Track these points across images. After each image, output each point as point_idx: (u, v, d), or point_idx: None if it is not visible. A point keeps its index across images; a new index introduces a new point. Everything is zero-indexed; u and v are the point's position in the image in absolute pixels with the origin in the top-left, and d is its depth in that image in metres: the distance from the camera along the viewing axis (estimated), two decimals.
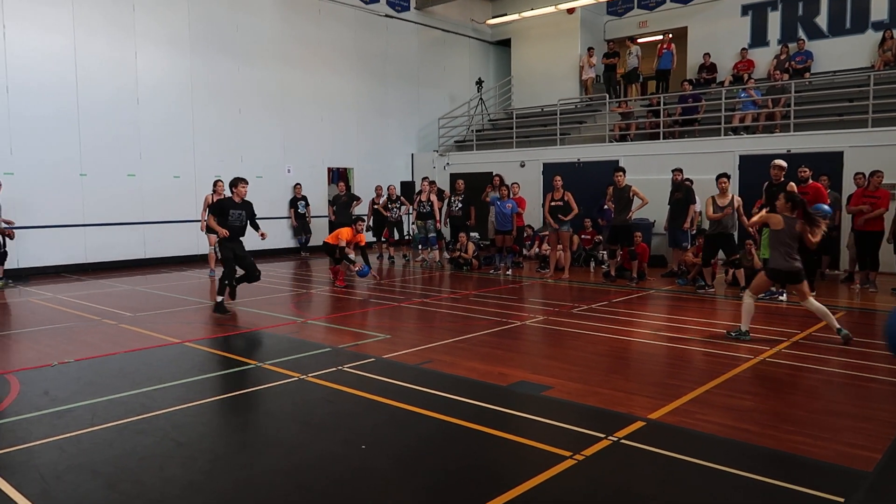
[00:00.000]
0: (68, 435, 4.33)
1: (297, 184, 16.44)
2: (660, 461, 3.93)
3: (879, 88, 12.78)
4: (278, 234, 16.38)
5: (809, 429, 4.37)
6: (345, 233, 11.57)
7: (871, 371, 5.78)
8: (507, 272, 12.44)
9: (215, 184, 12.55)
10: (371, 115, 18.54)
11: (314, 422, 4.61)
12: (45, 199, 12.57)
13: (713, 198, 9.98)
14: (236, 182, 9.30)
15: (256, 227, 9.48)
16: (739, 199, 10.09)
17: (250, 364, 6.05)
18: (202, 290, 10.97)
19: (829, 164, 11.87)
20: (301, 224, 16.41)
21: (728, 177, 10.13)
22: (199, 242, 14.22)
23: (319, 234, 16.96)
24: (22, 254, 12.40)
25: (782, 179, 9.27)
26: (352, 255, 11.49)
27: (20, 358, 6.40)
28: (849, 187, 11.17)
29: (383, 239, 15.11)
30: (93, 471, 3.79)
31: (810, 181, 9.64)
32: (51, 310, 9.08)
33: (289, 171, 16.57)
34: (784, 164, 9.45)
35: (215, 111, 15.08)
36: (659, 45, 18.15)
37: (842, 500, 3.35)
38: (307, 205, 16.42)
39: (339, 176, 18.11)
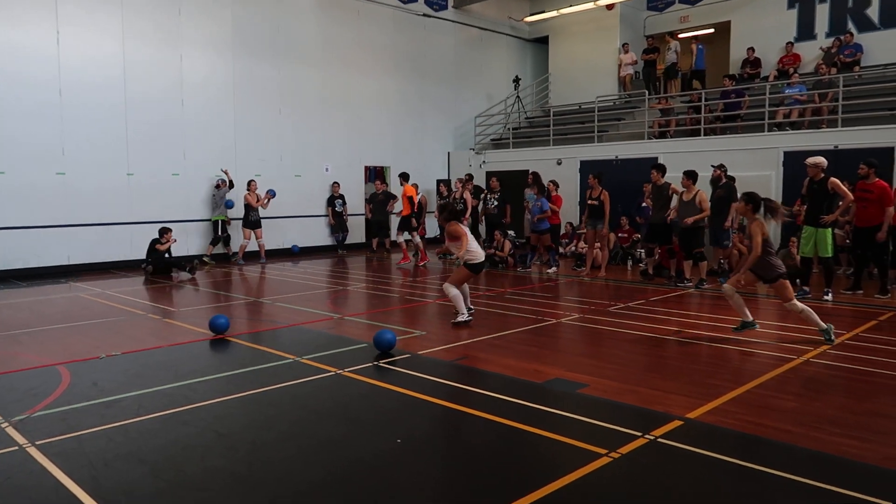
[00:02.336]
0: (116, 424, 4.48)
1: (335, 182, 16.63)
2: (698, 460, 3.88)
3: None
4: (316, 232, 16.60)
5: (855, 431, 4.26)
6: (409, 189, 13.87)
7: None
8: (549, 270, 12.36)
9: (249, 183, 13.96)
10: (408, 113, 18.63)
11: (350, 416, 4.68)
12: (95, 197, 12.97)
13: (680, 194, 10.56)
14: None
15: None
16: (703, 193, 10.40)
17: (289, 358, 6.16)
18: (242, 285, 11.19)
19: (879, 160, 11.47)
20: (338, 222, 16.59)
21: (692, 174, 10.52)
22: (241, 238, 14.50)
23: (356, 232, 17.21)
24: (73, 250, 12.82)
25: (822, 176, 9.00)
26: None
27: (71, 350, 6.63)
28: None
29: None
30: (139, 459, 3.91)
31: (875, 179, 9.20)
32: (100, 305, 9.38)
33: (327, 169, 16.76)
34: (821, 160, 9.09)
35: (256, 112, 15.35)
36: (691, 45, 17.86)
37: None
38: (344, 203, 16.60)
39: (375, 174, 18.25)
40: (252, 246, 14.47)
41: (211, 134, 14.62)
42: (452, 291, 7.73)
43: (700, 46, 17.71)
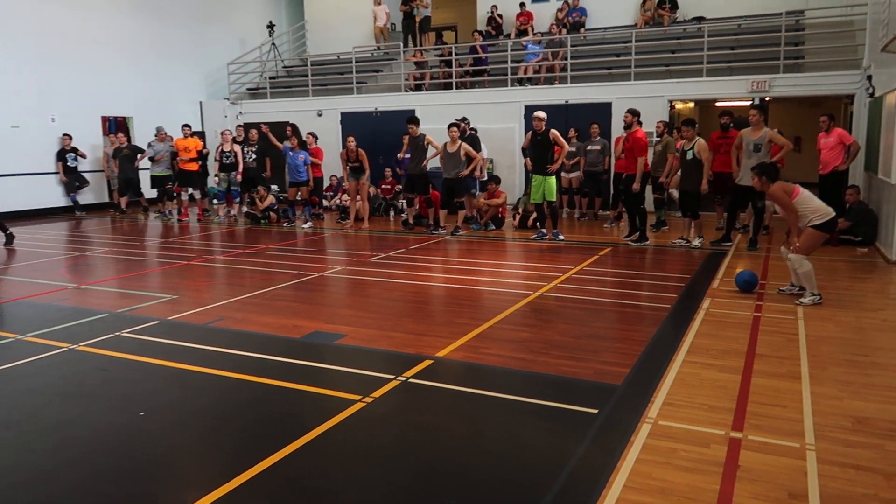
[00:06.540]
0: None
1: (66, 134, 14.61)
2: (443, 394, 4.18)
3: (640, 45, 14.19)
4: (45, 192, 14.57)
5: (574, 352, 4.88)
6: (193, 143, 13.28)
7: (631, 298, 6.58)
8: (304, 225, 12.21)
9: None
10: (150, 58, 16.85)
11: (85, 393, 4.24)
12: None
13: (445, 145, 10.96)
14: None
15: None
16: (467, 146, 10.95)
17: (7, 338, 5.38)
18: None
19: (601, 113, 13.07)
20: (72, 179, 14.69)
21: (457, 126, 10.99)
22: None
23: (95, 191, 15.47)
24: None
25: (544, 128, 9.96)
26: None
27: None
28: (618, 135, 12.32)
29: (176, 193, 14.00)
30: None
31: (637, 127, 9.63)
32: None
33: (53, 120, 14.65)
34: (543, 115, 10.02)
35: None
36: None
37: (596, 411, 3.81)
38: (78, 157, 14.70)
39: (116, 126, 16.40)
40: None
41: None
42: (806, 265, 6.13)
43: None
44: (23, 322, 5.89)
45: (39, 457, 3.40)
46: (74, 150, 14.64)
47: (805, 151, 14.20)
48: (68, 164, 14.57)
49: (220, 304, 6.50)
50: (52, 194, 14.76)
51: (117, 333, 5.46)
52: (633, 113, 9.70)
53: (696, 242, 9.22)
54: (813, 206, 6.18)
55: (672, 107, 13.74)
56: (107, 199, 15.70)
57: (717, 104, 15.28)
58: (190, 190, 13.90)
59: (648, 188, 10.16)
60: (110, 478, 3.17)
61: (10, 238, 10.43)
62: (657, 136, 10.84)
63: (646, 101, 12.91)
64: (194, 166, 13.50)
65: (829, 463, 3.18)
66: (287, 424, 3.73)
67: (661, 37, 14.85)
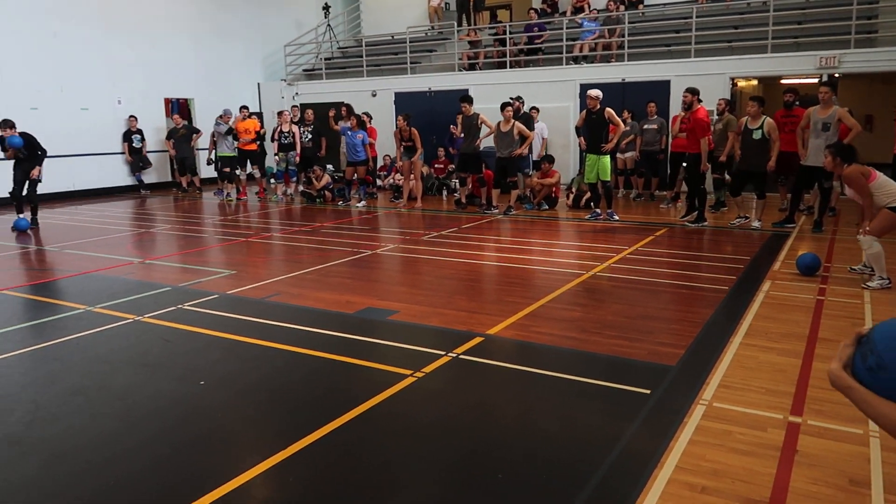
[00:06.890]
0: None
1: (132, 116, 15.12)
2: (493, 371, 4.19)
3: (701, 21, 13.71)
4: (112, 172, 15.14)
5: (627, 332, 4.82)
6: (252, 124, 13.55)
7: (687, 279, 6.44)
8: (359, 204, 12.34)
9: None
10: (210, 41, 17.22)
11: (149, 362, 4.43)
12: None
13: (498, 124, 10.78)
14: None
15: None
16: (521, 125, 10.77)
17: (78, 309, 5.65)
18: (15, 234, 9.99)
19: (659, 91, 12.73)
20: (137, 159, 15.22)
21: (511, 105, 10.86)
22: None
23: (158, 171, 15.99)
24: None
25: (598, 107, 9.76)
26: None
27: None
28: (675, 113, 11.98)
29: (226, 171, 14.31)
30: None
31: (698, 106, 9.10)
32: None
33: (119, 102, 15.18)
34: (598, 93, 9.83)
35: (25, 36, 13.36)
36: None
37: (648, 391, 3.76)
38: (143, 139, 15.21)
39: (178, 107, 16.86)
40: None
41: None
42: (876, 247, 5.85)
43: None
44: (92, 294, 6.16)
45: (107, 420, 3.57)
46: (139, 131, 15.14)
47: (877, 130, 13.54)
48: (133, 145, 15.09)
49: (276, 279, 6.66)
50: (119, 174, 15.35)
51: (179, 306, 5.67)
52: (693, 92, 9.19)
53: (756, 223, 8.94)
54: (890, 190, 5.93)
55: (734, 84, 13.27)
56: (170, 179, 16.22)
57: (782, 81, 14.67)
58: (248, 169, 14.21)
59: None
60: (171, 442, 3.31)
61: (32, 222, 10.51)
62: (717, 114, 10.49)
63: (706, 78, 12.47)
64: (253, 146, 13.81)
65: (894, 450, 3.06)
66: (341, 396, 3.81)
67: (724, 12, 14.31)
